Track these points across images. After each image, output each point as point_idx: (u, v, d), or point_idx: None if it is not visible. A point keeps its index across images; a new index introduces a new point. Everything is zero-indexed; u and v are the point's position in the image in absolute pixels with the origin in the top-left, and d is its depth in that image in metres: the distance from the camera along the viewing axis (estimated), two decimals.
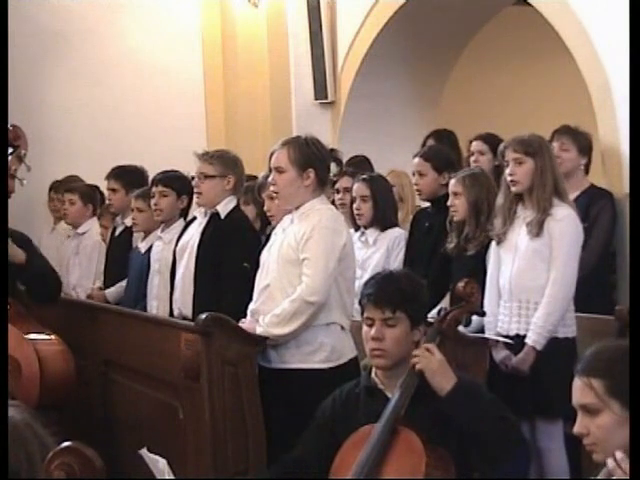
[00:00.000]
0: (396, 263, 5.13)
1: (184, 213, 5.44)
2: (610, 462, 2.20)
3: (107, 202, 6.35)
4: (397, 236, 5.27)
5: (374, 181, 5.32)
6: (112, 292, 5.96)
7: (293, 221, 4.04)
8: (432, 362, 3.05)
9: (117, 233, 6.18)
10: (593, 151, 5.26)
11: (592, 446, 2.27)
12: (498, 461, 2.98)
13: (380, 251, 5.25)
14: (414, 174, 5.29)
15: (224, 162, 4.81)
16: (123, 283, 5.89)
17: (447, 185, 5.07)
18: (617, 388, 2.22)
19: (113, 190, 6.13)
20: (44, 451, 1.76)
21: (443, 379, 3.04)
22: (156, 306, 5.30)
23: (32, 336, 4.34)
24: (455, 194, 4.72)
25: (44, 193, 7.44)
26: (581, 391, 2.28)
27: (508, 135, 4.53)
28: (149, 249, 5.64)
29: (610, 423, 2.23)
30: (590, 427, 2.26)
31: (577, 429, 2.29)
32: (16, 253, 4.38)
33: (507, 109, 8.92)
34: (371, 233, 5.31)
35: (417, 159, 5.24)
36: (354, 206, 5.29)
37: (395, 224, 5.37)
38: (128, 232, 6.03)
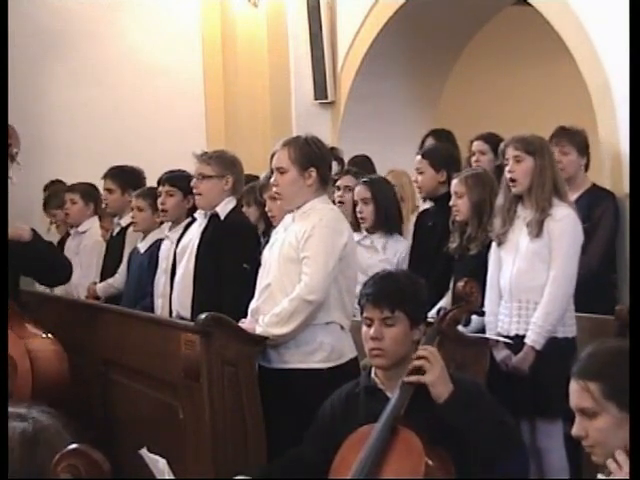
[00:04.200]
0: None
1: (191, 213, 5.42)
2: (611, 463, 2.19)
3: (103, 202, 6.34)
4: (406, 248, 5.25)
5: (375, 183, 5.31)
6: (101, 287, 6.08)
7: (294, 220, 4.03)
8: (435, 369, 3.03)
9: (114, 234, 6.23)
10: (592, 150, 5.26)
11: (591, 448, 2.27)
12: (496, 464, 2.97)
13: (391, 262, 5.16)
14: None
15: (222, 162, 4.79)
16: (110, 280, 6.03)
17: (445, 183, 5.09)
18: (613, 390, 2.21)
19: (109, 190, 6.14)
20: None
21: (442, 387, 3.01)
22: (161, 305, 5.30)
23: (26, 335, 4.31)
24: (458, 194, 4.71)
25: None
26: (578, 394, 2.27)
27: (508, 135, 4.52)
28: (148, 249, 5.64)
29: (608, 425, 2.23)
30: (588, 429, 2.26)
31: (575, 432, 2.29)
32: (22, 230, 4.31)
33: (507, 109, 8.92)
34: (378, 239, 5.28)
35: (417, 157, 5.29)
36: (357, 209, 5.29)
37: (399, 228, 5.35)
38: (123, 232, 6.11)
